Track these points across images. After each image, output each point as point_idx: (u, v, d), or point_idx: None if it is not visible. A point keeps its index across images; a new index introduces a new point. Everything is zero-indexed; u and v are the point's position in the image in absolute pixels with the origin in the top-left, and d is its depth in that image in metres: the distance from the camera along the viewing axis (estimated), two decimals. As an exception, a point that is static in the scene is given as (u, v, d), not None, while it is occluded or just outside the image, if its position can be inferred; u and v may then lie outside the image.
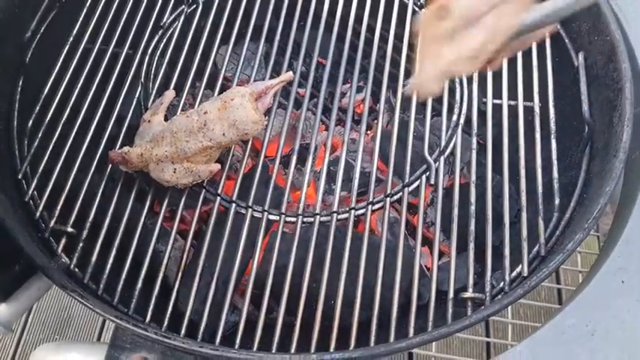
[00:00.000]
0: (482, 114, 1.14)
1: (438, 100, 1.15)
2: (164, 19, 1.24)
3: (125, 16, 1.21)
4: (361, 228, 1.04)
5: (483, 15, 0.73)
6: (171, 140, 0.98)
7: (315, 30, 1.25)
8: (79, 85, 1.13)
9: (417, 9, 1.26)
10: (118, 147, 1.06)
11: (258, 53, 1.23)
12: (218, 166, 1.03)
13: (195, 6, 1.26)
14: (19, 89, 1.14)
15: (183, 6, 1.26)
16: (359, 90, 1.35)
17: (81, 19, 1.21)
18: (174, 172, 0.99)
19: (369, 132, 1.33)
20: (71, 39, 1.18)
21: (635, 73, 1.08)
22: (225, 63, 1.22)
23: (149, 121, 1.04)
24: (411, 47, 1.21)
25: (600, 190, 0.94)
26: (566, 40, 1.20)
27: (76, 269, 0.97)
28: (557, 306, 1.66)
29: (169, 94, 1.09)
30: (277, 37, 1.24)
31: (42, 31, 1.19)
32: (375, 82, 1.20)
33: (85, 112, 1.10)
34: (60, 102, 1.11)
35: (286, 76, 1.11)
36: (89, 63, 1.15)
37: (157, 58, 1.20)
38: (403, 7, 1.27)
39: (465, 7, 0.73)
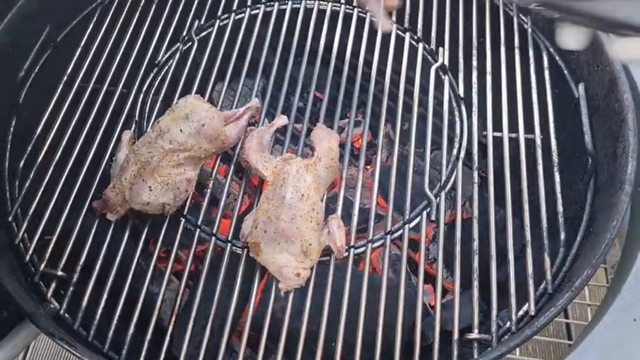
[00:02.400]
0: (483, 147, 1.12)
1: (438, 134, 1.13)
2: (159, 57, 1.23)
3: (120, 54, 1.21)
4: (362, 266, 1.01)
5: None
6: (135, 159, 0.98)
7: (311, 65, 1.24)
8: (72, 125, 1.11)
9: (413, 42, 1.25)
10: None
11: (255, 89, 1.22)
12: (194, 174, 1.01)
13: (190, 43, 1.25)
14: (12, 130, 1.13)
15: (179, 44, 1.25)
16: (357, 124, 1.34)
17: (75, 58, 1.21)
18: (150, 189, 0.96)
19: (368, 167, 1.31)
20: (65, 78, 1.18)
21: (637, 104, 1.06)
22: (222, 99, 1.21)
23: (115, 160, 1.04)
24: (409, 80, 1.20)
25: (607, 225, 0.91)
26: (566, 72, 1.19)
27: (66, 314, 0.94)
28: (567, 341, 1.62)
29: (128, 133, 1.08)
30: (274, 73, 1.23)
31: (36, 71, 1.19)
32: (374, 116, 1.18)
33: (77, 152, 1.08)
34: (52, 143, 1.10)
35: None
36: (83, 102, 1.15)
37: (151, 96, 1.18)
38: (400, 41, 1.26)
39: None
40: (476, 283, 0.94)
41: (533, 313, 0.91)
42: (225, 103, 1.25)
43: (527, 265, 0.95)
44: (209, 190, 1.05)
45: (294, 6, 1.31)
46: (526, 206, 1.01)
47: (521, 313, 0.93)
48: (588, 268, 0.86)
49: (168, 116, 1.01)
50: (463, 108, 1.16)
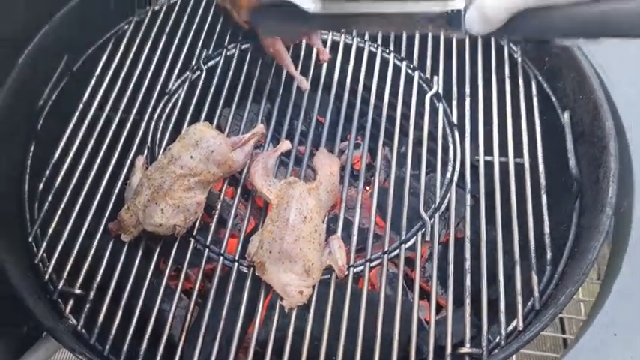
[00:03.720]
0: (475, 170, 1.19)
1: (433, 157, 1.20)
2: (170, 86, 1.30)
3: (133, 83, 1.28)
4: (361, 284, 1.07)
5: None
6: (148, 184, 1.05)
7: (314, 91, 1.31)
8: (88, 150, 1.18)
9: (410, 71, 1.32)
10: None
11: (260, 114, 1.29)
12: (203, 197, 1.07)
13: (199, 72, 1.32)
14: (31, 154, 1.20)
15: (188, 72, 1.33)
16: (357, 147, 1.41)
17: (90, 86, 1.28)
18: (162, 212, 1.03)
19: (367, 188, 1.37)
20: (81, 106, 1.25)
21: (619, 130, 1.12)
22: (229, 124, 1.28)
23: (129, 184, 1.10)
24: (406, 104, 1.27)
25: (589, 245, 0.97)
26: (553, 99, 1.26)
27: (83, 330, 1.00)
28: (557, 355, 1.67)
29: (141, 159, 1.15)
30: (278, 98, 1.30)
31: (53, 98, 1.26)
32: (372, 139, 1.25)
33: (93, 175, 1.15)
34: (69, 167, 1.16)
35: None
36: (98, 128, 1.21)
37: (162, 122, 1.25)
38: (397, 69, 1.33)
39: None
40: (468, 300, 1.01)
41: (521, 328, 0.97)
42: (233, 128, 1.32)
43: (516, 283, 1.01)
44: (217, 212, 1.12)
45: (298, 37, 1.38)
46: (515, 227, 1.08)
47: (510, 328, 0.99)
48: (572, 286, 0.92)
49: (179, 143, 1.08)
50: (456, 133, 1.23)
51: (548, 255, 1.05)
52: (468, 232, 1.08)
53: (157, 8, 1.42)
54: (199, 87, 1.30)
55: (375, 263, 1.08)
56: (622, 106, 1.18)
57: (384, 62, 1.34)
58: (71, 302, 1.02)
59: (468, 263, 1.04)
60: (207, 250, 1.09)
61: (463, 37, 0.81)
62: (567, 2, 0.72)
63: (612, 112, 1.14)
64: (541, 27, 0.76)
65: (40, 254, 1.07)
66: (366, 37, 1.37)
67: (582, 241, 1.05)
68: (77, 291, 1.02)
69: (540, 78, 1.29)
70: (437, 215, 1.12)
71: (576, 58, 1.21)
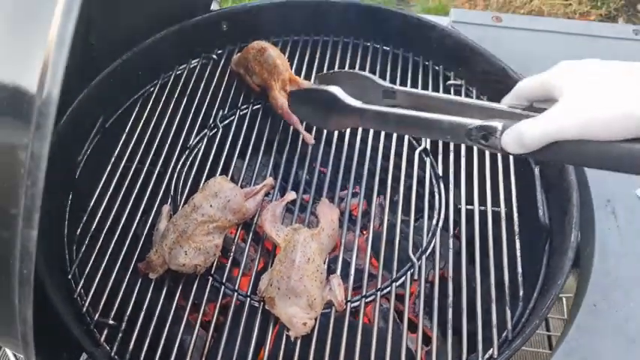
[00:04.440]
0: (458, 218, 1.35)
1: (422, 206, 1.37)
2: (190, 141, 1.48)
3: (158, 139, 1.45)
4: (357, 318, 1.22)
5: None
6: (174, 229, 1.21)
7: (317, 144, 1.49)
8: (119, 199, 1.35)
9: (401, 129, 1.50)
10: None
11: (270, 165, 1.46)
12: (220, 240, 1.23)
13: (216, 130, 1.51)
14: (69, 202, 1.37)
15: (206, 130, 1.51)
16: (355, 195, 1.58)
17: (121, 142, 1.45)
18: (186, 253, 1.19)
19: (364, 232, 1.53)
20: (113, 159, 1.42)
21: (582, 184, 1.29)
22: (242, 175, 1.45)
23: (157, 229, 1.27)
24: (398, 153, 1.44)
25: (554, 283, 1.13)
26: (527, 154, 1.43)
27: (116, 356, 1.15)
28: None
29: (166, 207, 1.32)
30: (286, 151, 1.48)
31: (88, 153, 1.43)
32: (369, 187, 1.42)
33: (124, 221, 1.31)
34: (103, 213, 1.33)
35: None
36: (128, 179, 1.38)
37: (184, 174, 1.42)
38: (390, 127, 1.51)
39: None
40: (450, 332, 1.16)
41: (496, 356, 1.12)
42: (246, 178, 1.49)
43: (492, 317, 1.16)
44: (232, 254, 1.29)
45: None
46: (492, 268, 1.23)
47: (487, 356, 1.13)
48: (536, 319, 1.08)
49: (200, 194, 1.25)
50: (442, 185, 1.40)
51: (521, 292, 1.20)
52: (451, 272, 1.24)
53: (178, 72, 1.61)
54: (216, 142, 1.48)
55: (369, 299, 1.23)
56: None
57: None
58: (105, 332, 1.17)
59: (450, 299, 1.19)
60: (223, 287, 1.25)
61: (498, 152, 0.87)
62: (602, 138, 0.71)
63: (576, 167, 1.30)
64: (574, 156, 0.76)
65: (78, 290, 1.22)
66: (363, 99, 1.55)
67: (549, 280, 1.20)
68: (111, 322, 1.17)
69: (516, 135, 1.46)
70: (424, 257, 1.28)
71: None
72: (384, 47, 1.69)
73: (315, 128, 1.52)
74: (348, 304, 1.22)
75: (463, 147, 1.43)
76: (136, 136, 1.46)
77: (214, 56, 1.66)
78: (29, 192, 0.63)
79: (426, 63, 1.64)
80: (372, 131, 1.50)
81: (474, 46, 1.56)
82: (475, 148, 1.42)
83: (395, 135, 1.48)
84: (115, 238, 1.29)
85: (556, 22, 1.90)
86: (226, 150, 1.46)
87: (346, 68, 1.64)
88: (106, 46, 1.48)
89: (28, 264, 0.67)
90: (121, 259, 1.26)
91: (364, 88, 1.04)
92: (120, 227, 1.30)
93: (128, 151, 1.43)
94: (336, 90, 0.99)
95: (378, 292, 1.23)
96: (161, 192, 1.37)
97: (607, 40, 1.67)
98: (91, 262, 1.26)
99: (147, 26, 1.57)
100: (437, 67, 1.63)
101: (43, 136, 0.62)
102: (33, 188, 0.63)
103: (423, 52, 1.65)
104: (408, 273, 1.26)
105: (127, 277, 1.23)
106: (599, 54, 1.61)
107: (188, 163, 1.46)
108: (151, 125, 1.48)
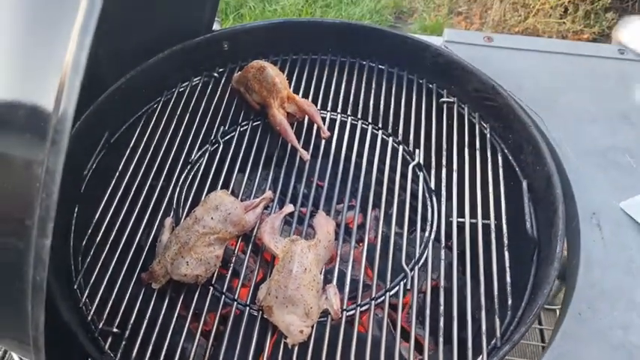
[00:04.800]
0: (450, 229, 1.40)
1: (415, 218, 1.41)
2: (192, 156, 1.54)
3: (161, 154, 1.51)
4: (353, 326, 1.26)
5: None
6: (176, 240, 1.26)
7: (315, 158, 1.54)
8: (124, 212, 1.40)
9: (395, 145, 1.56)
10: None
11: (269, 179, 1.52)
12: (221, 252, 1.28)
13: (217, 145, 1.56)
14: (75, 215, 1.42)
15: (207, 145, 1.56)
16: (351, 208, 1.63)
17: (126, 156, 1.50)
18: (187, 264, 1.24)
19: (360, 244, 1.58)
20: (117, 174, 1.47)
21: (568, 197, 1.34)
22: (242, 188, 1.50)
23: (159, 241, 1.32)
24: (392, 167, 1.49)
25: (539, 293, 1.17)
26: (517, 169, 1.48)
27: (120, 363, 1.19)
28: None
29: (169, 220, 1.37)
30: (284, 165, 1.53)
31: (94, 166, 1.49)
32: (364, 200, 1.47)
33: (127, 233, 1.36)
34: (108, 226, 1.38)
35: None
36: (131, 193, 1.43)
37: (186, 188, 1.48)
38: (384, 143, 1.57)
39: None
40: (441, 340, 1.20)
41: (485, 363, 1.16)
42: (246, 191, 1.54)
43: (482, 325, 1.21)
44: (232, 265, 1.33)
45: (300, 115, 1.63)
46: (482, 278, 1.28)
47: (476, 363, 1.18)
48: (523, 327, 1.12)
49: (202, 207, 1.30)
50: (434, 198, 1.45)
51: (509, 302, 1.25)
52: (442, 283, 1.29)
53: (181, 90, 1.67)
54: (217, 157, 1.53)
55: (364, 308, 1.28)
56: (572, 175, 1.41)
57: (374, 137, 1.57)
58: (110, 339, 1.21)
59: (441, 308, 1.24)
60: (223, 296, 1.30)
61: None
62: None
63: (563, 181, 1.36)
64: None
65: (83, 299, 1.27)
66: (359, 115, 1.62)
67: (537, 290, 1.25)
68: (115, 330, 1.22)
69: (506, 151, 1.52)
70: (416, 268, 1.33)
71: (534, 135, 1.44)
72: (380, 66, 1.75)
73: (312, 144, 1.58)
74: (344, 312, 1.26)
75: (455, 161, 1.48)
76: (139, 151, 1.51)
77: (216, 74, 1.72)
78: (44, 204, 0.68)
79: (420, 81, 1.70)
80: (367, 145, 1.56)
81: (466, 65, 1.62)
82: (467, 163, 1.48)
83: (390, 148, 1.54)
84: (120, 250, 1.34)
85: (544, 41, 1.97)
86: (227, 165, 1.51)
87: (343, 85, 1.70)
88: (114, 64, 1.54)
89: (41, 271, 0.72)
90: (124, 269, 1.31)
91: None
92: (124, 239, 1.35)
93: (132, 166, 1.48)
94: None
95: (373, 302, 1.28)
96: (164, 205, 1.42)
97: (593, 59, 1.73)
98: (96, 272, 1.30)
99: (152, 45, 1.63)
100: (430, 85, 1.69)
101: (58, 151, 0.68)
102: (47, 200, 0.68)
103: (417, 70, 1.71)
104: (402, 283, 1.30)
105: (131, 287, 1.28)
106: (586, 73, 1.69)
107: (190, 177, 1.51)
108: (155, 141, 1.54)
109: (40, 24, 0.70)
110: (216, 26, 1.81)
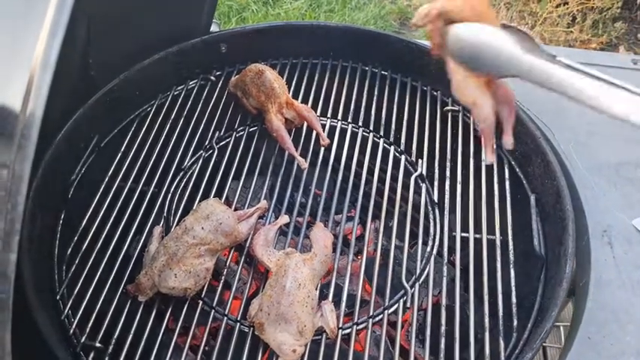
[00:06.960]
0: (452, 245, 1.33)
1: (416, 231, 1.35)
2: (185, 162, 1.47)
3: (153, 159, 1.45)
4: (349, 345, 1.20)
5: None
6: (164, 251, 1.20)
7: (313, 166, 1.48)
8: (112, 219, 1.33)
9: (397, 154, 1.49)
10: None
11: (265, 187, 1.45)
12: (211, 264, 1.21)
13: (211, 151, 1.50)
14: (61, 222, 1.35)
15: (202, 151, 1.50)
16: (349, 219, 1.57)
17: (116, 161, 1.44)
18: (176, 276, 1.17)
19: (358, 256, 1.52)
20: (106, 179, 1.41)
21: (579, 213, 1.28)
22: (237, 196, 1.44)
23: (147, 251, 1.25)
24: (394, 178, 1.43)
25: (547, 315, 1.11)
26: (524, 182, 1.42)
27: (102, 380, 1.13)
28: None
29: (158, 228, 1.31)
30: (281, 172, 1.47)
31: (82, 171, 1.43)
32: (364, 211, 1.40)
33: (115, 242, 1.30)
34: (94, 233, 1.31)
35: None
36: (121, 199, 1.37)
37: (178, 195, 1.41)
38: (386, 152, 1.50)
39: None
40: (442, 361, 1.14)
41: (488, 388, 1.10)
42: (241, 198, 1.48)
43: (485, 347, 1.14)
44: (223, 277, 1.27)
45: (299, 122, 1.57)
46: (486, 297, 1.21)
47: (479, 387, 1.12)
48: (530, 352, 1.05)
49: (192, 216, 1.24)
50: (437, 211, 1.39)
51: (515, 322, 1.18)
52: (444, 301, 1.22)
53: (176, 93, 1.61)
54: (211, 164, 1.47)
55: (361, 327, 1.21)
56: (583, 190, 1.35)
57: (375, 145, 1.51)
58: (92, 355, 1.15)
59: (443, 328, 1.17)
60: (213, 311, 1.23)
61: None
62: None
63: (573, 196, 1.29)
64: None
65: (65, 311, 1.21)
66: (360, 123, 1.56)
67: (544, 311, 1.18)
68: (98, 345, 1.15)
69: (513, 163, 1.45)
70: (417, 285, 1.26)
71: (542, 146, 1.38)
72: (383, 72, 1.69)
73: (310, 152, 1.51)
74: (339, 330, 1.20)
75: (459, 173, 1.42)
76: (131, 156, 1.45)
77: (212, 78, 1.66)
78: (9, 216, 0.62)
79: (424, 88, 1.64)
80: (368, 153, 1.49)
81: (472, 72, 1.55)
82: (472, 174, 1.41)
83: (391, 158, 1.47)
84: (106, 259, 1.27)
85: (555, 50, 1.89)
86: (221, 171, 1.45)
87: (344, 91, 1.64)
88: (105, 66, 1.48)
89: (6, 288, 0.66)
90: (110, 279, 1.24)
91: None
92: (111, 247, 1.29)
93: (122, 171, 1.43)
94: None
95: (370, 320, 1.21)
96: (154, 213, 1.36)
97: (606, 69, 1.67)
98: (81, 282, 1.24)
99: (146, 47, 1.57)
100: (435, 93, 1.63)
101: (25, 157, 0.62)
102: (13, 212, 0.62)
103: (421, 77, 1.65)
104: (401, 300, 1.24)
105: (117, 298, 1.22)
106: (598, 83, 1.62)
107: (182, 184, 1.45)
108: (147, 145, 1.48)
109: (5, 15, 0.64)
110: (214, 28, 1.76)
